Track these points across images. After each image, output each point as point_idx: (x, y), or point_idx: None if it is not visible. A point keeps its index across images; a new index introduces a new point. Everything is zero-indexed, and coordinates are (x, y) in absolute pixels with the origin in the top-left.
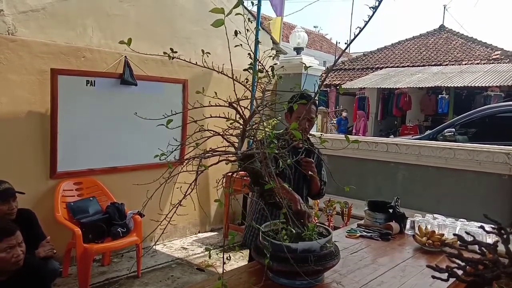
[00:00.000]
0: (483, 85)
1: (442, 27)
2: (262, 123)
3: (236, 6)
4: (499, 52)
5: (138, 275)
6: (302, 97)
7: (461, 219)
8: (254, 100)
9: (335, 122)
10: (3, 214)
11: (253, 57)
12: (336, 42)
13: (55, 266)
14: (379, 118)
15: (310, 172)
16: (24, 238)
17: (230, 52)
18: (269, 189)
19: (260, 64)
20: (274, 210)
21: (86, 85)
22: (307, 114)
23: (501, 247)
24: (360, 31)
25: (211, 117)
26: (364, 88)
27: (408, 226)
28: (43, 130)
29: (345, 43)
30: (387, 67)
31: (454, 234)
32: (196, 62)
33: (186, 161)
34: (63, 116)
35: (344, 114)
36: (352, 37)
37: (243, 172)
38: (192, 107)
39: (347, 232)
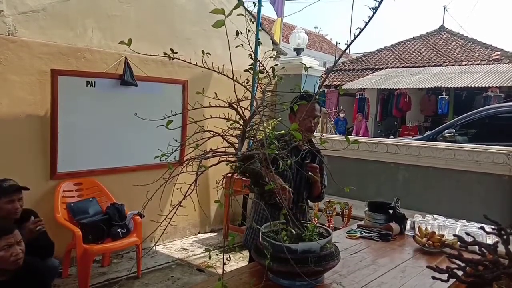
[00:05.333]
0: (483, 85)
1: (442, 27)
2: (262, 124)
3: (236, 7)
4: (499, 52)
5: (138, 276)
6: (306, 97)
7: (461, 220)
8: (254, 101)
9: (333, 122)
10: (7, 213)
11: (253, 57)
12: (336, 43)
13: (55, 264)
14: (379, 119)
15: (313, 175)
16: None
17: (230, 53)
18: (269, 189)
19: (260, 65)
20: (275, 211)
21: (86, 85)
22: (313, 112)
23: (501, 248)
24: (360, 32)
25: (211, 117)
26: (364, 88)
27: (408, 226)
28: (43, 130)
29: (345, 44)
30: (387, 67)
31: (454, 235)
32: (196, 63)
33: (186, 162)
34: (63, 117)
35: (342, 114)
36: (352, 37)
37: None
38: (192, 108)
39: (347, 233)
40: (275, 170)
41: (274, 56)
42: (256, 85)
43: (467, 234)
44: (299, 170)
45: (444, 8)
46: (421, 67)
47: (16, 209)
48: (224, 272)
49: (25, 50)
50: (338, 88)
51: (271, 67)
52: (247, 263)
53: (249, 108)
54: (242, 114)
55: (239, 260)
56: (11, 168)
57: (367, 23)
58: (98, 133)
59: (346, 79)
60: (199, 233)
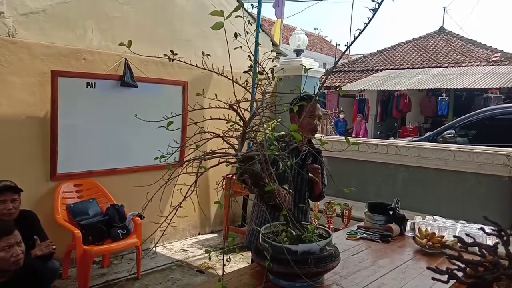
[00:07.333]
0: (483, 87)
1: (442, 29)
2: (262, 125)
3: (236, 10)
4: (498, 54)
5: (138, 277)
6: (306, 98)
7: (461, 221)
8: (254, 102)
9: (333, 124)
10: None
11: (253, 59)
12: (336, 44)
13: (56, 266)
14: (379, 120)
15: (313, 176)
16: (25, 240)
17: (229, 54)
18: (269, 191)
19: (260, 66)
20: (275, 212)
21: (86, 87)
22: (316, 112)
23: (501, 249)
24: (360, 33)
25: (211, 119)
26: (364, 90)
27: (408, 228)
28: (43, 132)
29: (345, 45)
30: (387, 69)
31: (454, 236)
32: (196, 64)
33: (186, 163)
34: (63, 118)
35: (341, 116)
36: (352, 39)
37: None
38: (192, 109)
39: (347, 234)
40: (275, 171)
41: (273, 58)
42: (256, 86)
43: (467, 235)
44: (300, 171)
45: (444, 9)
46: (421, 68)
47: (8, 210)
48: (224, 273)
49: (25, 51)
50: (338, 89)
51: (270, 68)
52: (249, 264)
53: (249, 109)
54: (242, 115)
55: (239, 261)
56: (11, 169)
57: (366, 24)
58: (98, 134)
59: (346, 80)
60: (199, 234)
